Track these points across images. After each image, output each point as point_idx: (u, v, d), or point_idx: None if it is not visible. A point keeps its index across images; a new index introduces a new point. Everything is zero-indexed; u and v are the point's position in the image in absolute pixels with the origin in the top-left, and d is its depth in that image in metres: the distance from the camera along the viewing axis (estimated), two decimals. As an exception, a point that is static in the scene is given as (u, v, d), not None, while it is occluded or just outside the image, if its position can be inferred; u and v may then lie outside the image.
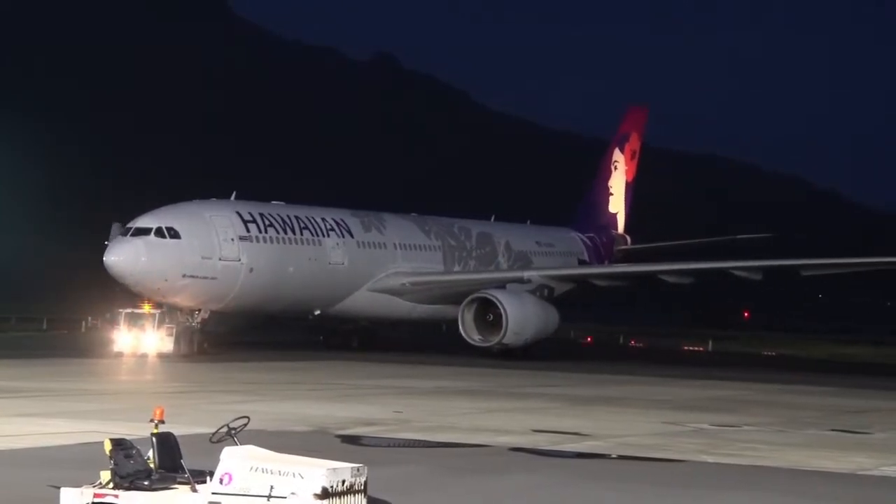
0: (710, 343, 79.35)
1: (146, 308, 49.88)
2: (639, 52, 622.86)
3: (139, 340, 48.99)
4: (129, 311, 49.89)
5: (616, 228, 76.38)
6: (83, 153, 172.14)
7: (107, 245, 64.17)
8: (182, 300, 50.33)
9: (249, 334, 59.97)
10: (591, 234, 73.64)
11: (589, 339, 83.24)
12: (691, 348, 78.88)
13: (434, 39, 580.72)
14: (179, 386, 35.72)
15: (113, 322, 51.69)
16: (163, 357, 47.69)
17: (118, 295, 51.75)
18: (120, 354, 48.00)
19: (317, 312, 57.21)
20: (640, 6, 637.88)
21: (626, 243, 76.00)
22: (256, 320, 58.98)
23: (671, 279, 60.66)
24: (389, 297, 58.52)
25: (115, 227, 65.50)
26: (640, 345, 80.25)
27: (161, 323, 49.38)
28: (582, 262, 70.77)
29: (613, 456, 22.61)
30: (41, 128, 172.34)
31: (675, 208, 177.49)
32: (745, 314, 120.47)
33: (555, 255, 69.57)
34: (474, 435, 25.19)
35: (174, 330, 49.34)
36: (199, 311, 50.94)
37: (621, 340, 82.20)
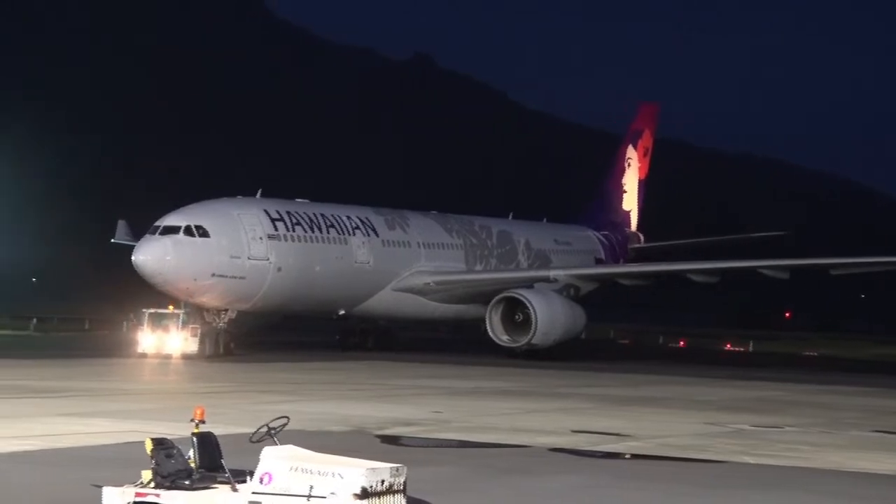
0: (751, 344, 78.83)
1: (170, 308, 48.97)
2: (669, 50, 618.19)
3: (163, 341, 47.84)
4: (152, 311, 48.72)
5: (629, 226, 75.34)
6: (126, 152, 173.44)
7: (112, 243, 63.79)
8: (209, 300, 49.21)
9: (265, 335, 58.95)
10: (606, 232, 72.69)
11: (628, 340, 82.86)
12: (732, 349, 78.37)
13: (470, 38, 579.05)
14: (218, 386, 35.86)
15: (137, 323, 50.71)
16: (187, 358, 46.78)
17: (145, 294, 50.45)
18: (144, 356, 46.99)
19: (341, 312, 56.37)
20: (678, 1, 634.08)
21: (639, 241, 74.96)
22: (273, 321, 57.58)
23: (698, 278, 60.02)
24: (414, 297, 57.61)
25: (121, 224, 65.11)
26: (681, 345, 79.80)
27: (185, 323, 48.36)
28: (598, 261, 69.79)
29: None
30: (84, 128, 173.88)
31: (703, 204, 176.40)
32: (787, 314, 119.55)
33: (573, 253, 68.46)
34: (514, 435, 25.14)
35: (199, 331, 48.25)
36: (226, 311, 49.87)
37: (661, 341, 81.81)
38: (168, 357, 46.93)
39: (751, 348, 77.90)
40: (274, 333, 60.96)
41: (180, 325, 48.24)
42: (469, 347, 60.65)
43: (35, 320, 67.27)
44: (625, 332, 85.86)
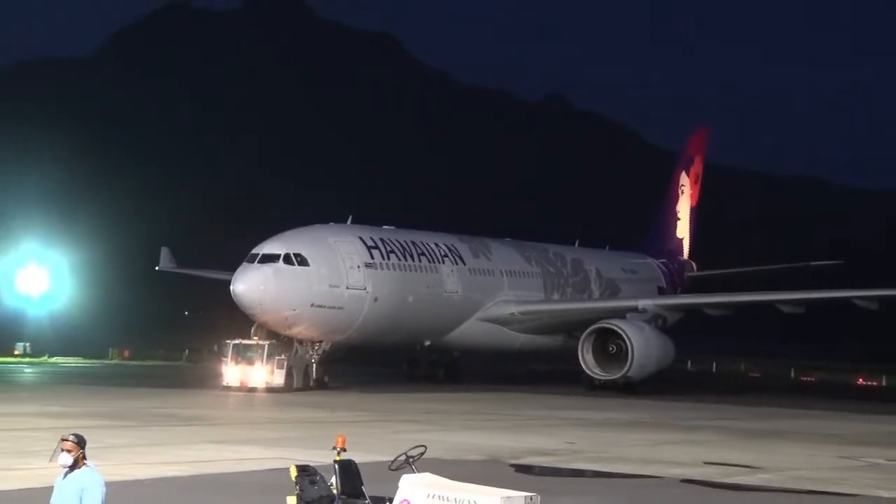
0: (884, 378, 77.03)
1: (255, 339, 46.65)
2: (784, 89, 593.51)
3: (247, 374, 45.38)
4: (236, 342, 46.33)
5: (682, 254, 73.73)
6: (245, 184, 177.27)
7: (158, 270, 64.57)
8: (305, 331, 47.00)
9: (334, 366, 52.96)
10: (665, 260, 71.12)
11: (758, 374, 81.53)
12: (865, 382, 76.70)
13: (604, 79, 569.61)
14: (354, 416, 36.53)
15: (220, 354, 48.32)
16: (273, 391, 44.49)
17: (239, 324, 48.50)
18: (228, 388, 45.03)
19: (427, 343, 54.21)
20: (779, 39, 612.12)
21: (692, 269, 73.24)
22: (340, 353, 52.19)
23: (787, 309, 57.67)
24: (498, 328, 55.82)
25: (165, 251, 65.00)
26: (811, 378, 78.35)
27: (271, 355, 45.71)
28: (661, 290, 67.94)
29: (773, 488, 22.47)
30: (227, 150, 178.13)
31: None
32: None
33: (639, 282, 66.62)
34: (646, 466, 25.31)
35: (285, 363, 45.93)
36: (320, 342, 47.66)
37: (792, 374, 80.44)
38: (253, 390, 44.69)
39: (884, 382, 76.14)
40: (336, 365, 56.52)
41: (265, 357, 45.66)
42: (545, 378, 59.07)
43: (187, 351, 69.05)
44: (756, 365, 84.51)
